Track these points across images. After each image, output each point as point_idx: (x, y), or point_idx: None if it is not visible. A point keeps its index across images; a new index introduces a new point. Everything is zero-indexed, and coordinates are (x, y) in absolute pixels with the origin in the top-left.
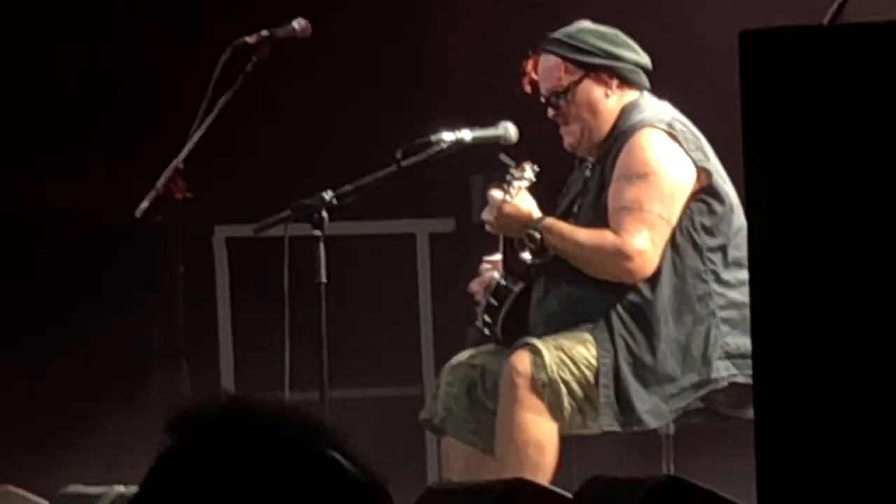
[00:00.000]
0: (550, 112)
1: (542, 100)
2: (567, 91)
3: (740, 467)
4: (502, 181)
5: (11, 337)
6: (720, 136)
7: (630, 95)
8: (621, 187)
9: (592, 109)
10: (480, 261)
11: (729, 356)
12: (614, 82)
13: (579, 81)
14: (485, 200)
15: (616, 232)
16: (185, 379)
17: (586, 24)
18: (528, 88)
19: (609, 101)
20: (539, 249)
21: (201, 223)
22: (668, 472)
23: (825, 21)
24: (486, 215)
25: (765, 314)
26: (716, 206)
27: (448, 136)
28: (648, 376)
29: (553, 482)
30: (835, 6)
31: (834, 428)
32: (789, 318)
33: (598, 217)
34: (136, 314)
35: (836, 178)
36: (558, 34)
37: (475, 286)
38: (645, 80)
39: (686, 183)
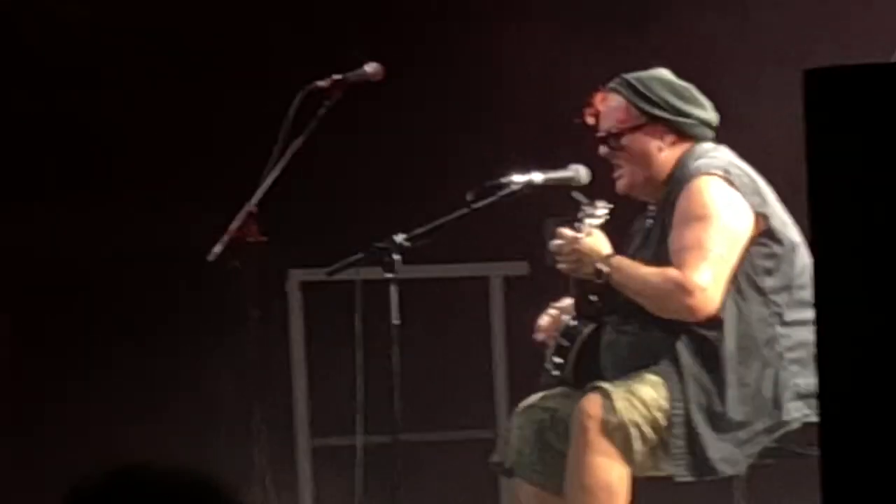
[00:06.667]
0: (602, 149)
1: (599, 136)
2: (622, 134)
3: None
4: (574, 223)
5: (80, 381)
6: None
7: (686, 146)
8: (681, 231)
9: (643, 159)
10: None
11: (800, 396)
12: (669, 137)
13: (637, 129)
14: None
15: (678, 269)
16: (258, 424)
17: (662, 72)
18: (590, 121)
19: (662, 154)
20: (606, 286)
21: (275, 267)
22: None
23: (894, 59)
24: (556, 248)
25: (831, 353)
26: (775, 247)
27: (519, 179)
28: (720, 423)
29: None
30: None
31: None
32: (856, 356)
33: (659, 265)
34: (209, 358)
35: None
36: (630, 76)
37: (540, 331)
38: (707, 134)
39: (744, 228)
